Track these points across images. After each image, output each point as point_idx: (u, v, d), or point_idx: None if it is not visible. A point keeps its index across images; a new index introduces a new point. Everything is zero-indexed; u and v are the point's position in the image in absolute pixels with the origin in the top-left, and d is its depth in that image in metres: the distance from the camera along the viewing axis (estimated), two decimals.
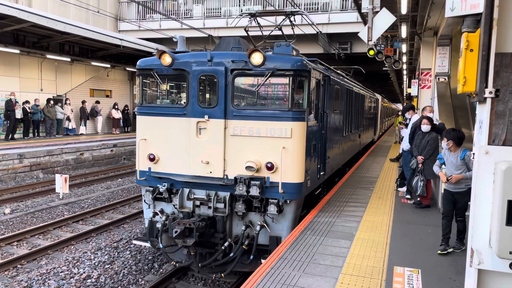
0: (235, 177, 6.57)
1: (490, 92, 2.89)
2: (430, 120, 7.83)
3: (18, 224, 9.89)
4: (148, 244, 7.24)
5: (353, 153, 13.72)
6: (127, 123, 25.52)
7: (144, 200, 7.28)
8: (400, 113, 19.22)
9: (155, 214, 7.19)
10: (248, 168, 6.54)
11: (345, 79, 11.50)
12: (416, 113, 10.27)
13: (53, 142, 17.39)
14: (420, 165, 7.56)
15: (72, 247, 8.65)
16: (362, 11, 10.56)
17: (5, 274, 7.31)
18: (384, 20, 10.16)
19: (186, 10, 25.10)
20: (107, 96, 25.08)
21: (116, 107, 24.33)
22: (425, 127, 7.70)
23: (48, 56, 19.71)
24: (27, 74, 19.46)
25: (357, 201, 8.34)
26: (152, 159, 7.14)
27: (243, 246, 6.51)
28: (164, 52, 6.85)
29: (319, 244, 5.79)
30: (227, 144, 6.72)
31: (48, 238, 9.17)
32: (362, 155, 16.70)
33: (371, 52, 12.14)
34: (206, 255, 6.89)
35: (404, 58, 18.35)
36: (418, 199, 8.08)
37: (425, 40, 13.42)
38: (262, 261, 6.18)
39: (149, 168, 7.19)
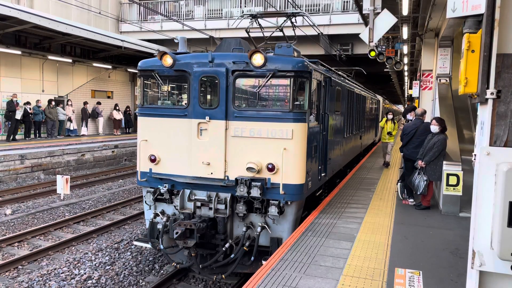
0: (236, 178, 6.56)
1: (492, 93, 2.89)
2: (440, 121, 7.62)
3: (19, 225, 9.89)
4: (149, 245, 7.23)
5: (354, 155, 13.70)
6: (129, 124, 25.58)
7: (145, 201, 7.28)
8: (389, 116, 14.63)
9: (156, 215, 7.19)
10: (249, 169, 6.53)
11: (346, 80, 11.49)
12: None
13: (54, 143, 17.40)
14: (423, 164, 7.51)
15: (73, 248, 8.65)
16: (363, 12, 10.60)
17: (6, 275, 7.31)
18: (385, 21, 10.19)
19: (188, 11, 25.15)
20: (109, 97, 25.13)
21: (117, 108, 24.38)
22: (434, 128, 7.55)
23: (50, 57, 19.76)
24: (28, 75, 19.50)
25: (358, 203, 8.32)
26: (153, 160, 7.14)
27: (244, 248, 6.49)
28: (165, 53, 6.85)
29: (320, 245, 5.78)
30: (228, 145, 6.71)
31: (49, 239, 9.17)
32: (363, 156, 16.68)
33: (372, 54, 12.10)
34: (207, 256, 6.89)
35: (406, 60, 18.36)
36: (419, 200, 8.06)
37: (426, 41, 13.41)
38: (263, 262, 6.18)
39: (150, 169, 7.19)
